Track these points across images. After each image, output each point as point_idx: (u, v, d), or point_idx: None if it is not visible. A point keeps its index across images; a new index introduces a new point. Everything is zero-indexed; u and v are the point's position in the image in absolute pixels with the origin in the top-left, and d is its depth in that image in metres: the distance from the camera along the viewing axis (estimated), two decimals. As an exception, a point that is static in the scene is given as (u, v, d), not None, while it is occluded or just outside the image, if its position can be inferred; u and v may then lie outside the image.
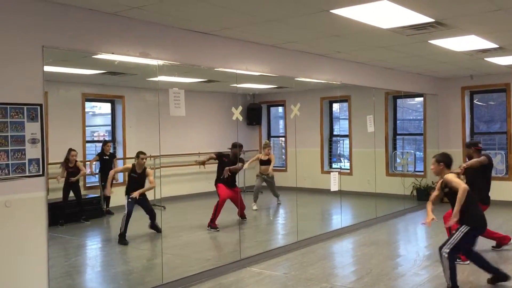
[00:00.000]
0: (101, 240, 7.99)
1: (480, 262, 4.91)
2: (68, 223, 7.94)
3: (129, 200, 6.98)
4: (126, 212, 6.92)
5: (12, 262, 4.02)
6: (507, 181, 10.17)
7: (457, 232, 4.69)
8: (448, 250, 4.63)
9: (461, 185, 4.62)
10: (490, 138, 10.76)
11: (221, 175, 7.98)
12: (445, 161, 4.90)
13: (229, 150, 8.31)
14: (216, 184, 8.04)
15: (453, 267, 4.67)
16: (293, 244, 6.79)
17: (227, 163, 8.03)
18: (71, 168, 7.98)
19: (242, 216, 8.35)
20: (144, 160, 7.26)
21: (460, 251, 4.71)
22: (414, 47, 6.95)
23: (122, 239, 6.88)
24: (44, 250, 4.24)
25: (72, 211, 8.15)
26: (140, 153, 7.29)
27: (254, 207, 9.49)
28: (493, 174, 10.14)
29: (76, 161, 8.08)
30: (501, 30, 6.01)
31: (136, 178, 7.22)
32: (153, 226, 7.35)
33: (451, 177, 4.75)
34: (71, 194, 7.99)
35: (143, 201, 7.18)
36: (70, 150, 8.01)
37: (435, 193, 5.05)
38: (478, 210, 4.79)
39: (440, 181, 4.95)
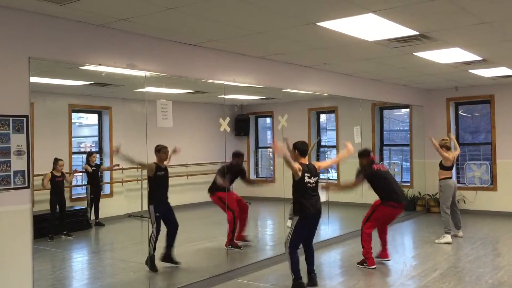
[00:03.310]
0: (87, 252, 7.91)
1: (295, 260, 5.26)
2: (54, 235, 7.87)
3: (157, 214, 5.95)
4: (155, 229, 5.92)
5: (-4, 276, 3.97)
6: (492, 191, 10.29)
7: (291, 227, 5.27)
8: (288, 244, 5.23)
9: (295, 167, 5.15)
10: (475, 148, 10.90)
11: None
12: (298, 148, 5.38)
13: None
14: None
15: (294, 261, 5.20)
16: (281, 255, 6.76)
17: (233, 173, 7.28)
18: (58, 177, 7.90)
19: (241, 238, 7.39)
20: (166, 154, 6.23)
21: (298, 243, 5.28)
22: (400, 59, 7.04)
23: (152, 264, 5.95)
24: (29, 263, 4.19)
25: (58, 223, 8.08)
26: (162, 145, 6.19)
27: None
28: (479, 184, 10.38)
29: (63, 172, 8.01)
30: (485, 43, 6.12)
31: (164, 176, 6.17)
32: (169, 254, 6.14)
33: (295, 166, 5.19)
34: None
35: (170, 211, 6.15)
36: (57, 159, 7.93)
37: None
38: (306, 201, 5.22)
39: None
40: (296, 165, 5.17)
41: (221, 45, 5.87)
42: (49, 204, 7.75)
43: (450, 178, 7.93)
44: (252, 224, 9.85)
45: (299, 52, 6.40)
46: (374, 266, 6.20)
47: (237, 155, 7.41)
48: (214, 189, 7.16)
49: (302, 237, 5.32)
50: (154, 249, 5.96)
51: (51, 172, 7.83)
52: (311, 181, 5.29)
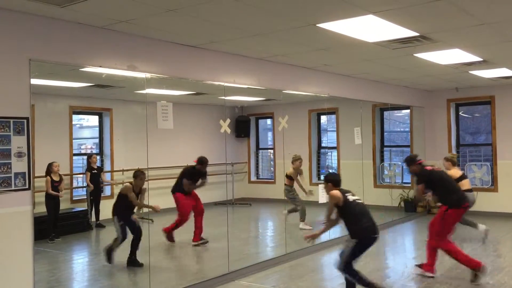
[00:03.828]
0: (88, 254, 7.90)
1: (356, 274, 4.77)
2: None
3: (121, 223, 6.38)
4: (121, 236, 6.34)
5: (-4, 278, 3.97)
6: (492, 192, 10.28)
7: (348, 249, 4.68)
8: (343, 267, 4.68)
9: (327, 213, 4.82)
10: (476, 149, 10.90)
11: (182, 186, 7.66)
12: (332, 180, 4.91)
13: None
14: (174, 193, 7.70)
15: (359, 277, 4.69)
16: (281, 257, 6.78)
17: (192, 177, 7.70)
18: (57, 182, 7.90)
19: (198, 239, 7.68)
20: (143, 180, 6.58)
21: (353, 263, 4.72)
22: (400, 60, 7.05)
23: (109, 256, 6.44)
24: (30, 265, 4.19)
25: (59, 224, 8.09)
26: (140, 172, 6.58)
27: (308, 227, 8.64)
28: (479, 185, 10.36)
29: (61, 176, 8.00)
30: (485, 44, 6.12)
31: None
32: (133, 257, 6.46)
33: (328, 201, 4.80)
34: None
35: (133, 222, 6.55)
36: (51, 163, 7.90)
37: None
38: (360, 222, 4.69)
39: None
40: (332, 195, 4.72)
41: (221, 47, 5.88)
42: (45, 206, 7.74)
43: (471, 191, 7.47)
44: (253, 226, 9.86)
45: (300, 53, 6.40)
46: (433, 275, 5.80)
47: (201, 163, 7.68)
48: (175, 189, 7.69)
49: (356, 259, 4.79)
50: (114, 250, 6.42)
51: (50, 176, 7.83)
52: (357, 197, 4.79)
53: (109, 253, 6.46)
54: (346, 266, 4.69)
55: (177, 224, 7.62)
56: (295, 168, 8.88)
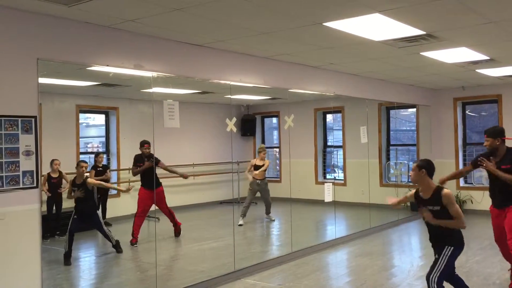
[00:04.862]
0: (94, 252, 7.95)
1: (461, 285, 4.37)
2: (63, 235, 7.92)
3: (75, 217, 6.61)
4: (69, 231, 6.53)
5: (5, 275, 4.00)
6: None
7: (442, 256, 4.13)
8: (436, 279, 4.08)
9: (461, 217, 4.03)
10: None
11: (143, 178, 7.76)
12: (427, 168, 4.20)
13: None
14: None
15: None
16: (287, 255, 6.79)
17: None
18: (54, 178, 7.91)
19: (176, 232, 8.04)
20: (83, 169, 6.69)
21: (447, 275, 4.16)
22: (406, 59, 7.03)
23: (67, 260, 6.53)
24: (38, 262, 4.22)
25: (65, 223, 8.11)
26: (81, 161, 6.83)
27: (240, 222, 9.04)
28: (486, 184, 10.28)
29: (60, 171, 8.02)
30: (492, 42, 6.10)
31: (80, 193, 6.71)
32: (113, 243, 6.99)
33: (452, 199, 4.08)
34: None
35: (91, 217, 6.78)
36: (53, 160, 7.94)
37: (400, 200, 4.85)
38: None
39: (414, 190, 4.54)
40: (445, 195, 4.08)
41: (227, 46, 5.89)
42: (46, 204, 7.78)
43: None
44: (259, 224, 9.86)
45: (306, 52, 6.40)
46: None
47: (141, 145, 7.69)
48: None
49: (450, 270, 4.22)
50: (69, 246, 6.50)
51: (48, 173, 7.86)
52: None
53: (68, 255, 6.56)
54: (439, 280, 4.06)
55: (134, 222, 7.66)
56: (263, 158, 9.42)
